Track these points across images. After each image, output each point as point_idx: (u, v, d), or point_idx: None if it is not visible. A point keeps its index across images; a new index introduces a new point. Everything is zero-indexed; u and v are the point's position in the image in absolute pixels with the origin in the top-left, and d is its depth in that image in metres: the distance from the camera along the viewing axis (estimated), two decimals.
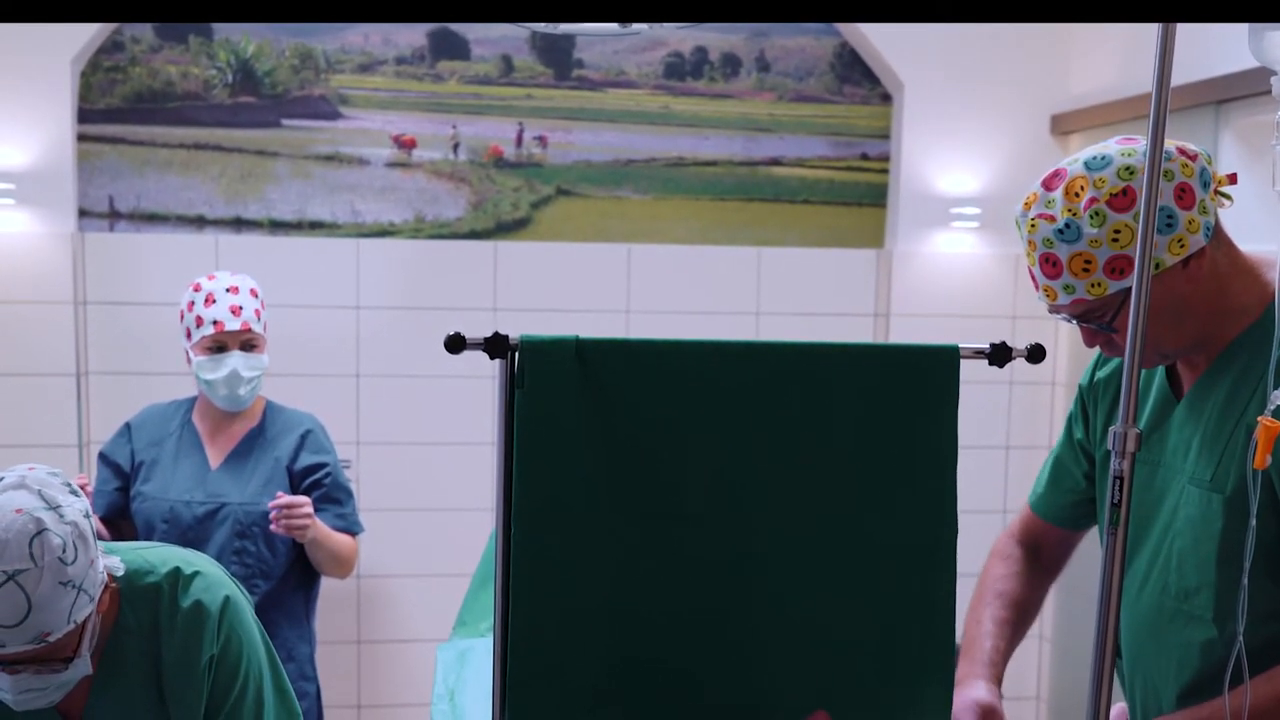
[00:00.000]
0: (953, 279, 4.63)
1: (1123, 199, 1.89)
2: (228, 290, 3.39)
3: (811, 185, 4.72)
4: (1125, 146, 1.96)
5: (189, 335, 3.40)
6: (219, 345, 3.37)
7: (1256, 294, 1.99)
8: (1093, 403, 2.27)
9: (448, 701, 2.41)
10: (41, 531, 1.89)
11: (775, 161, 4.71)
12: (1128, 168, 1.91)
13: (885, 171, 4.75)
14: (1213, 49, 3.46)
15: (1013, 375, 4.61)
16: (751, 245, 4.68)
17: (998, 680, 2.24)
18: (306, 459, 3.49)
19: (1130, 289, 1.83)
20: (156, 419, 3.56)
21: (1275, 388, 1.77)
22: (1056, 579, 2.51)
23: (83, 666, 2.02)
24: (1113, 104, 4.21)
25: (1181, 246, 1.90)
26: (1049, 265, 1.97)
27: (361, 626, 4.56)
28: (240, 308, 3.37)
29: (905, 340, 4.39)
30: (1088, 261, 1.92)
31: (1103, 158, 1.94)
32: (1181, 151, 1.95)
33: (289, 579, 3.48)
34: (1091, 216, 1.91)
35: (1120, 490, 1.63)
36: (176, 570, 2.22)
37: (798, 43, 4.68)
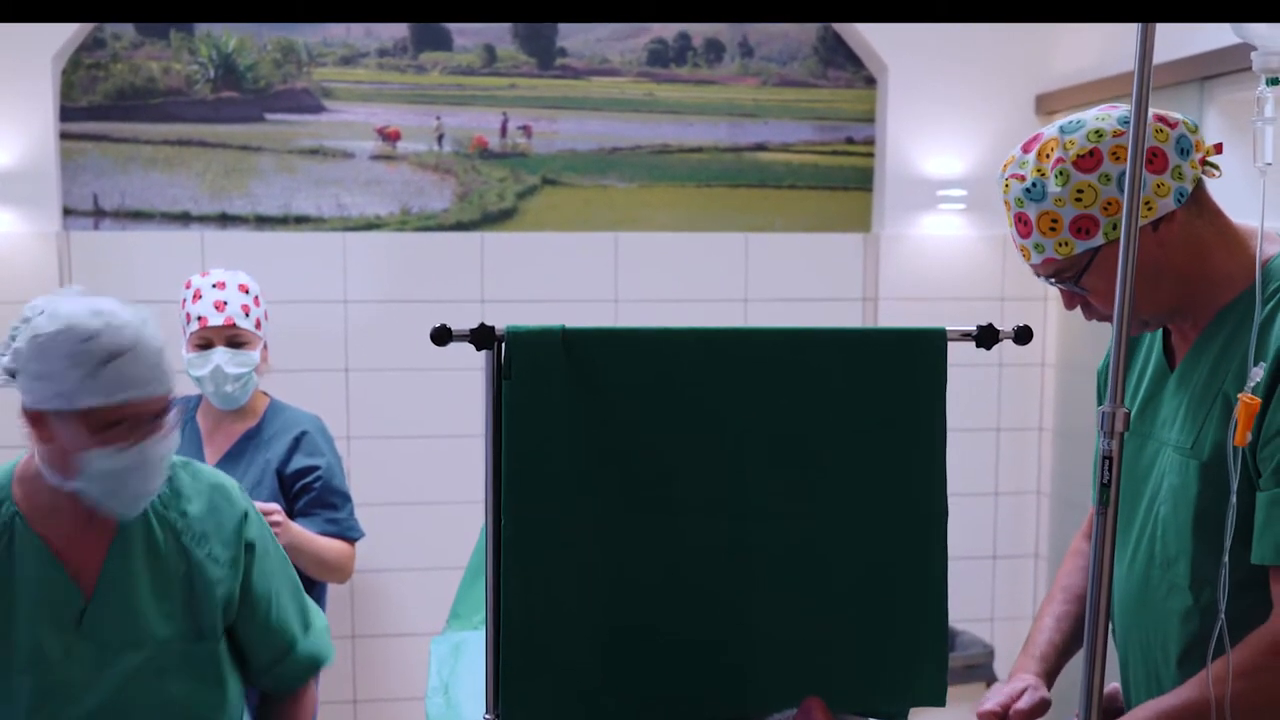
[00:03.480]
0: (940, 261, 4.63)
1: (1088, 160, 1.93)
2: (214, 286, 3.37)
3: (797, 170, 4.72)
4: (1102, 112, 1.98)
5: (184, 333, 3.39)
6: (205, 342, 3.34)
7: (1241, 263, 1.99)
8: (1100, 384, 2.28)
9: (442, 695, 2.40)
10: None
11: (760, 147, 4.70)
12: (1097, 131, 1.94)
13: (871, 155, 4.74)
14: (1196, 26, 3.46)
15: (1001, 357, 4.62)
16: (738, 231, 4.67)
17: (1047, 675, 2.21)
18: (298, 462, 3.42)
19: (1097, 248, 1.92)
20: None
21: (1255, 364, 1.77)
22: None
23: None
24: (1097, 82, 4.21)
25: (1149, 209, 1.92)
26: (1021, 224, 2.00)
27: (356, 621, 4.56)
28: (224, 303, 3.34)
29: (894, 324, 4.39)
30: (1054, 220, 1.96)
31: (1077, 121, 1.98)
32: (1159, 118, 1.96)
33: None
34: (1057, 176, 1.94)
35: (1110, 470, 1.63)
36: (187, 460, 2.36)
37: (781, 28, 4.67)
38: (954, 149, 4.62)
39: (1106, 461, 1.63)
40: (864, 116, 4.73)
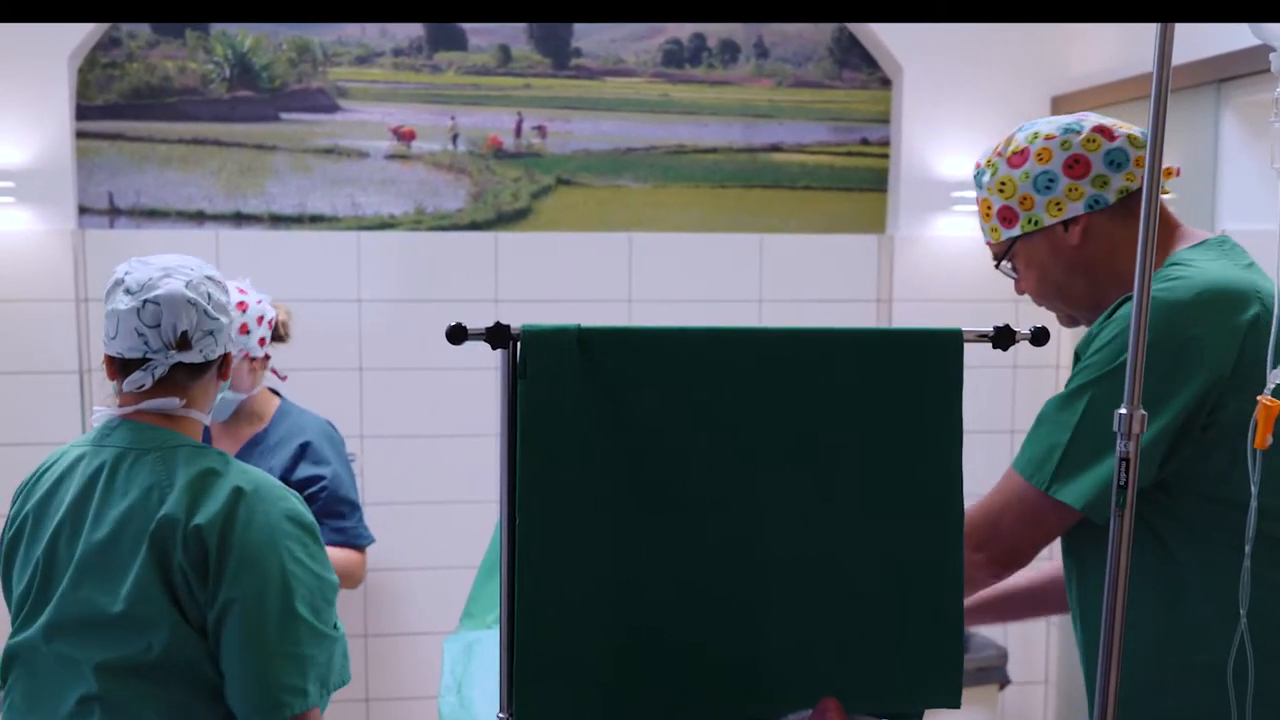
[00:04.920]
0: (955, 263, 4.62)
1: (1017, 157, 2.13)
2: None
3: (812, 171, 4.71)
4: (1057, 119, 2.15)
5: None
6: None
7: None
8: None
9: (455, 694, 2.40)
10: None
11: (775, 148, 4.70)
12: (1036, 133, 2.13)
13: (886, 156, 4.74)
14: (1213, 28, 3.44)
15: (1016, 359, 4.61)
16: (753, 232, 4.67)
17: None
18: (303, 471, 3.38)
19: (1016, 238, 2.14)
20: None
21: (1274, 366, 1.77)
22: None
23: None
24: (1113, 84, 4.20)
25: (1058, 209, 2.10)
26: (977, 206, 2.25)
27: (368, 620, 4.56)
28: None
29: (909, 325, 4.38)
30: (987, 207, 2.19)
31: (1032, 124, 2.17)
32: (1099, 129, 2.10)
33: None
34: (990, 167, 2.18)
35: (1126, 472, 1.63)
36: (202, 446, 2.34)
37: (796, 28, 4.67)
38: (969, 150, 4.61)
39: (1124, 464, 1.63)
40: (879, 118, 4.73)
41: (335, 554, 3.31)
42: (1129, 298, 1.90)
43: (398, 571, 4.54)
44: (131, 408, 2.30)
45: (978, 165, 2.22)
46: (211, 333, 2.30)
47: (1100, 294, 2.13)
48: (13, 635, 2.27)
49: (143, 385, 2.27)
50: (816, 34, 4.68)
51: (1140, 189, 2.05)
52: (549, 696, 1.83)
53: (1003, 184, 2.14)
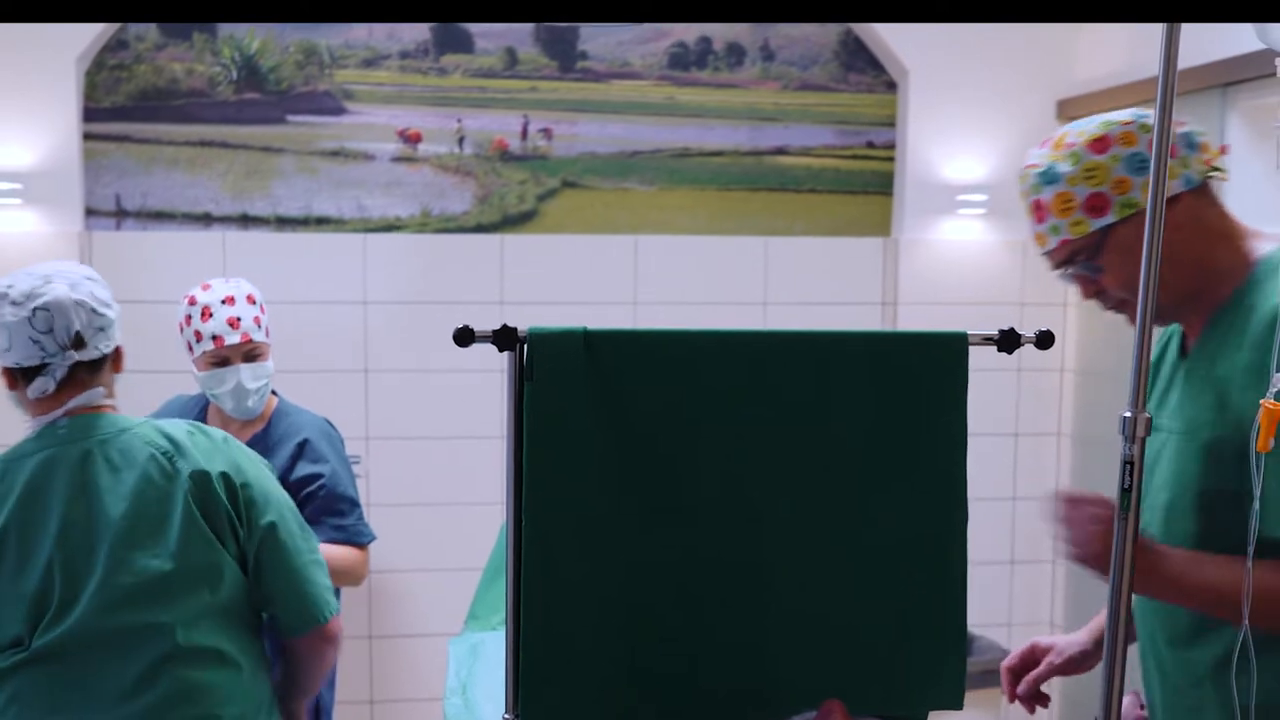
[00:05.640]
0: (960, 266, 4.63)
1: (1099, 143, 2.04)
2: (223, 302, 3.29)
3: (818, 174, 4.72)
4: (1118, 112, 2.09)
5: (190, 349, 3.33)
6: (221, 360, 3.29)
7: (1242, 255, 2.06)
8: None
9: (460, 695, 2.41)
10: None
11: (781, 151, 4.70)
12: (1107, 122, 2.06)
13: (891, 159, 4.74)
14: (1218, 32, 3.45)
15: (1021, 362, 4.61)
16: (758, 235, 4.67)
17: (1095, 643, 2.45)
18: (302, 470, 3.37)
19: (1110, 225, 2.01)
20: (174, 414, 3.53)
21: (1277, 370, 1.77)
22: None
23: None
24: (1119, 88, 4.20)
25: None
26: (1037, 211, 2.10)
27: (373, 622, 4.57)
28: (238, 319, 3.29)
29: (914, 329, 4.38)
30: (1068, 201, 2.05)
31: (1088, 119, 2.10)
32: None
33: None
34: (1068, 157, 2.05)
35: (1130, 475, 1.63)
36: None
37: (802, 31, 4.68)
38: (975, 154, 4.61)
39: (1128, 466, 1.63)
40: (885, 121, 4.73)
41: (337, 551, 3.30)
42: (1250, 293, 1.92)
43: (403, 573, 4.55)
44: (64, 407, 2.40)
45: (1036, 165, 2.11)
46: (103, 329, 2.41)
47: (1196, 283, 2.07)
48: (38, 636, 2.30)
49: (46, 390, 2.37)
50: (822, 37, 4.69)
51: (1209, 177, 2.06)
52: (554, 698, 1.84)
53: (1091, 171, 2.03)
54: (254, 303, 3.33)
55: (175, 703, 2.32)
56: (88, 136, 4.33)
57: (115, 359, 2.49)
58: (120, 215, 4.39)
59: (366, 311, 4.47)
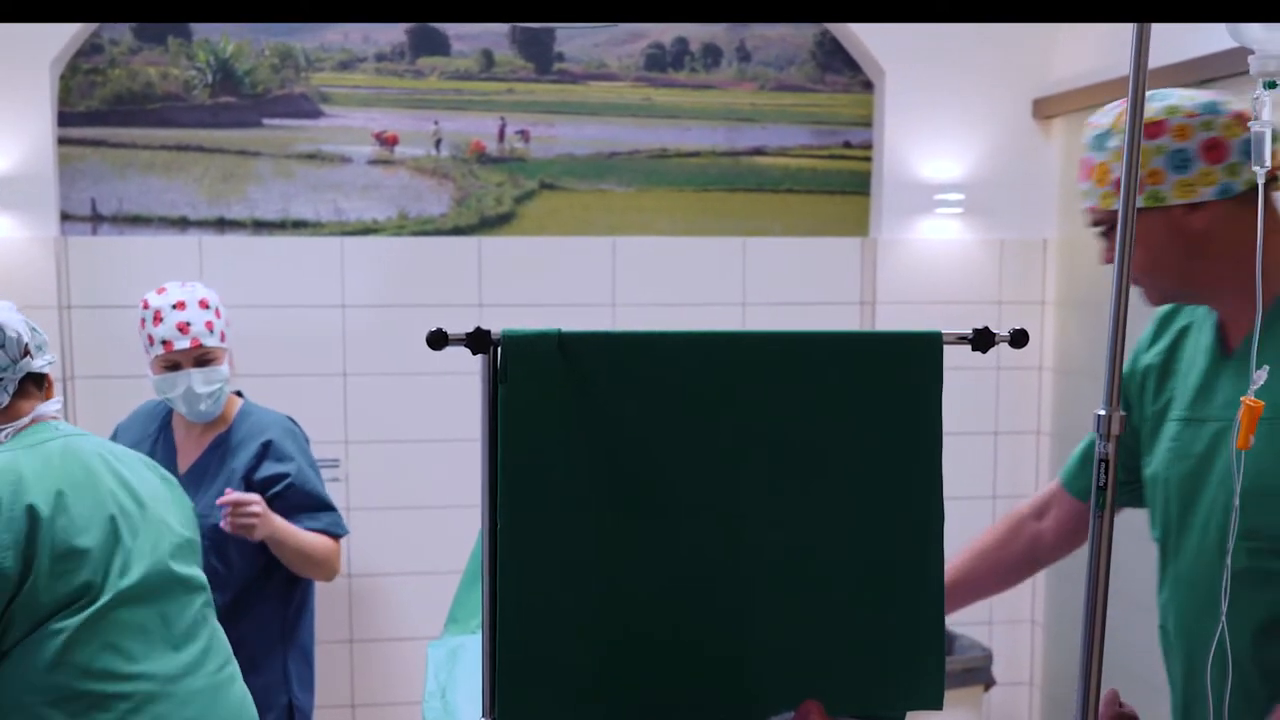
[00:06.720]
0: (938, 266, 4.64)
1: (1153, 127, 2.01)
2: (174, 307, 3.32)
3: (795, 174, 4.72)
4: (1198, 94, 2.06)
5: (146, 352, 3.37)
6: (172, 364, 3.33)
7: None
8: (1137, 389, 2.32)
9: (439, 699, 2.40)
10: None
11: (758, 151, 4.70)
12: (1174, 107, 2.03)
13: (868, 159, 4.75)
14: (1191, 30, 3.46)
15: (999, 361, 4.62)
16: (736, 235, 4.68)
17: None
18: (267, 469, 3.41)
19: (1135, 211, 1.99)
20: (141, 421, 3.53)
21: (1258, 368, 1.77)
22: (1061, 546, 2.54)
23: None
24: (1094, 87, 4.21)
25: (1189, 191, 2.02)
26: (1084, 167, 2.13)
27: (354, 626, 4.56)
28: (188, 324, 3.31)
29: (892, 328, 4.39)
30: (1105, 173, 2.07)
31: (1165, 93, 2.07)
32: (1239, 115, 2.03)
33: (258, 589, 3.43)
34: (1116, 130, 2.05)
35: (1105, 473, 1.63)
36: None
37: (778, 32, 4.68)
38: (951, 153, 4.62)
39: (1103, 465, 1.63)
40: (861, 121, 4.74)
41: (314, 540, 3.42)
42: None
43: (382, 577, 4.54)
44: (40, 413, 2.62)
45: (1097, 125, 2.11)
46: (40, 346, 2.62)
47: (1215, 278, 2.09)
48: (114, 581, 2.50)
49: (1, 403, 2.56)
50: (799, 38, 4.69)
51: (1269, 181, 2.00)
52: (532, 700, 1.83)
53: None
54: (207, 307, 3.36)
55: (216, 646, 2.69)
56: (62, 141, 4.31)
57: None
58: (96, 220, 4.37)
59: (344, 315, 4.46)
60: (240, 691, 2.72)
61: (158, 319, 3.32)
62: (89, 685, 2.42)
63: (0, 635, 2.39)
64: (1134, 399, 2.32)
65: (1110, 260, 2.09)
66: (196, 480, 3.36)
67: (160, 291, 3.37)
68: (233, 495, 3.22)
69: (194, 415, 3.37)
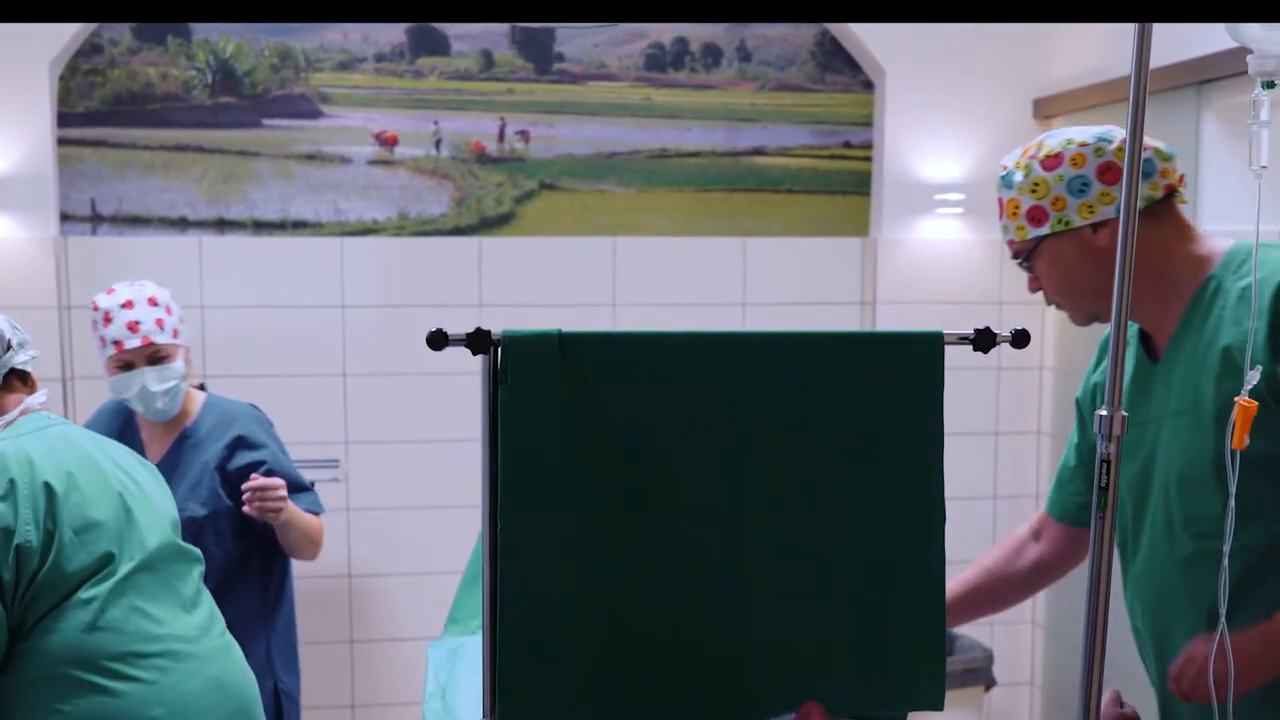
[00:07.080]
0: (938, 265, 4.63)
1: (1051, 160, 2.22)
2: (122, 306, 3.33)
3: (795, 174, 4.72)
4: (1091, 129, 2.24)
5: (100, 354, 3.38)
6: (125, 364, 3.33)
7: (1199, 257, 2.23)
8: (1090, 408, 2.45)
9: (439, 699, 2.40)
10: None
11: (758, 151, 4.70)
12: (1069, 139, 2.22)
13: (869, 159, 4.74)
14: (1192, 30, 3.46)
15: (1000, 361, 4.62)
16: (736, 236, 4.67)
17: None
18: (242, 458, 3.43)
19: (1043, 237, 2.26)
20: (105, 419, 3.53)
21: (1250, 367, 1.78)
22: (1058, 566, 2.64)
23: None
24: (1094, 87, 4.21)
25: (1090, 211, 2.21)
26: (999, 207, 2.33)
27: (354, 626, 4.55)
28: (137, 323, 3.32)
29: (892, 328, 4.39)
30: (1016, 207, 2.27)
31: (1064, 131, 2.26)
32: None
33: (237, 576, 3.45)
34: (1025, 168, 2.25)
35: (1107, 473, 1.63)
36: None
37: (779, 32, 4.68)
38: (952, 153, 4.62)
39: (1105, 465, 1.63)
40: (861, 121, 4.73)
41: (308, 519, 3.48)
42: None
43: (382, 577, 4.54)
44: (28, 405, 2.68)
45: (1005, 166, 2.31)
46: (23, 343, 2.68)
47: (1144, 291, 2.20)
48: (131, 551, 2.58)
49: None
50: (799, 37, 4.69)
51: (1165, 196, 2.22)
52: (532, 700, 1.83)
53: (1036, 184, 2.23)
54: (156, 305, 3.37)
55: (216, 613, 2.79)
56: (62, 141, 4.31)
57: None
58: (95, 220, 4.36)
59: (344, 315, 4.46)
60: (242, 656, 2.83)
61: (107, 319, 3.33)
62: (126, 646, 2.51)
63: (26, 608, 2.45)
64: (1089, 419, 2.43)
65: (1036, 289, 2.35)
66: (166, 475, 3.36)
67: (109, 292, 3.39)
68: (259, 480, 3.27)
69: (151, 414, 3.39)
